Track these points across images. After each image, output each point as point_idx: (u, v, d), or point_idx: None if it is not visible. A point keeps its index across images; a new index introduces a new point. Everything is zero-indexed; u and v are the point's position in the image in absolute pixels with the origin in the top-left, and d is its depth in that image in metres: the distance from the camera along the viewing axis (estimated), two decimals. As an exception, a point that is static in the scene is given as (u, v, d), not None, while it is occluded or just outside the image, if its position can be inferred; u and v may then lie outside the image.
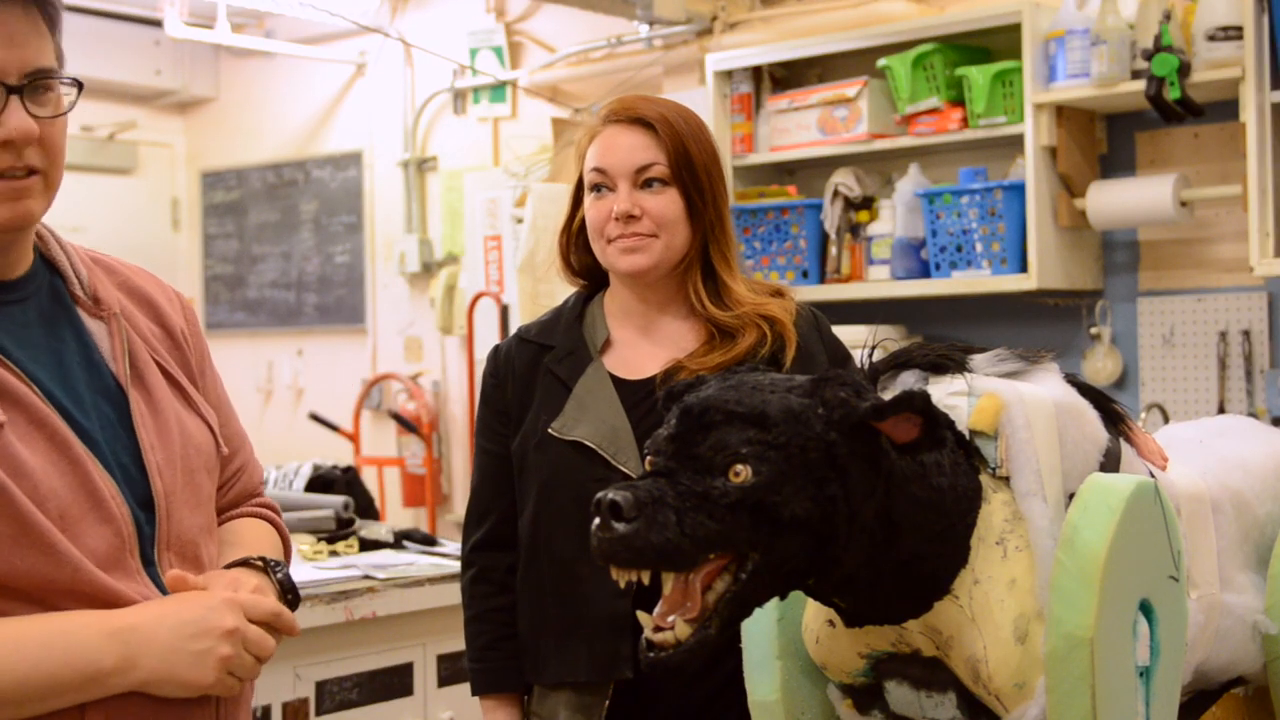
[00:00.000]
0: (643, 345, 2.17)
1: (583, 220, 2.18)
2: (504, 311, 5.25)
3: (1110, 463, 1.66)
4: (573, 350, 2.16)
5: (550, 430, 2.11)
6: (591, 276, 2.24)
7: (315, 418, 6.13)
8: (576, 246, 2.23)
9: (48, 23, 1.48)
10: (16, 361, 1.47)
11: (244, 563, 1.64)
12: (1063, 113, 4.14)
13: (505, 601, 2.18)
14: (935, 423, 1.47)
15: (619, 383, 2.13)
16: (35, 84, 1.46)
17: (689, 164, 2.12)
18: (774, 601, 1.67)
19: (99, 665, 1.41)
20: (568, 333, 2.19)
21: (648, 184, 2.11)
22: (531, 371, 2.18)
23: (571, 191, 2.21)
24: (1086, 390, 1.73)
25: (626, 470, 2.03)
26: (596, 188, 2.13)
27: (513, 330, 5.08)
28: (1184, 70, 3.81)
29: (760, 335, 2.13)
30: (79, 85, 1.52)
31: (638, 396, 2.10)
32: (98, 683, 1.42)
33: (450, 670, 3.18)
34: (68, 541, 1.43)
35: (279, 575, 1.63)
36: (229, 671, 1.48)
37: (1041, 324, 4.46)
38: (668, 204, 2.11)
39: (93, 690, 1.42)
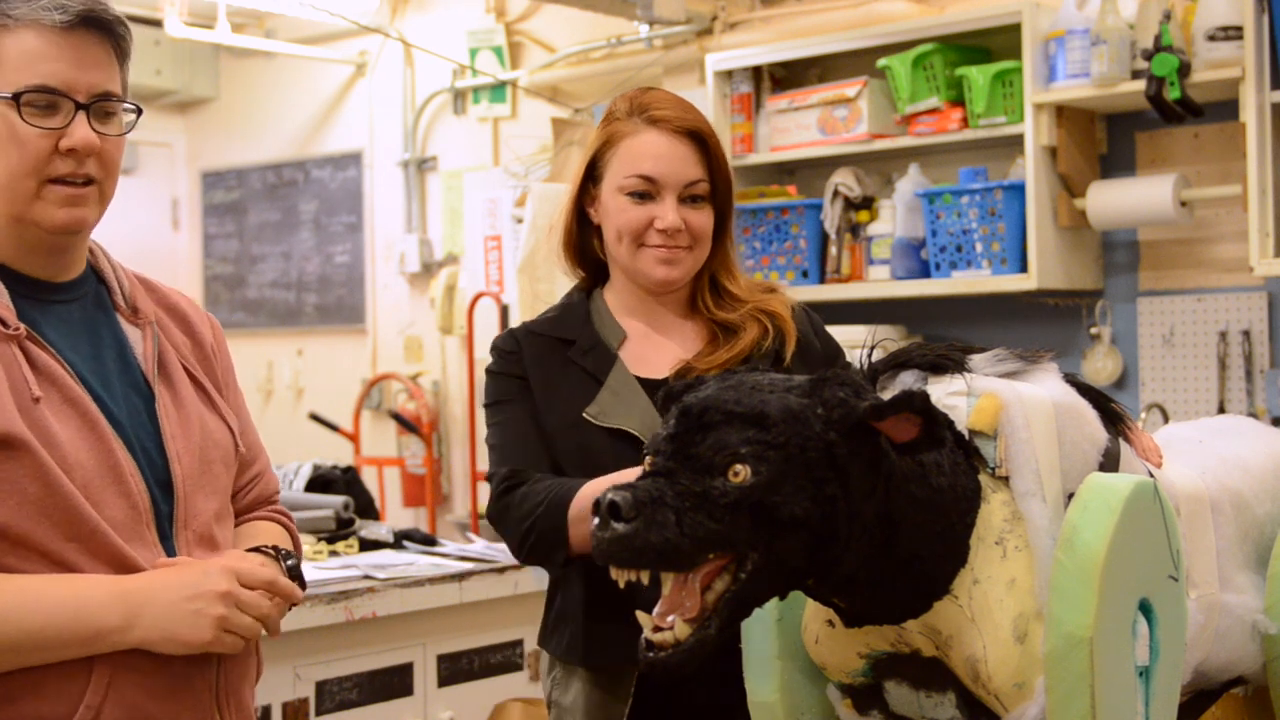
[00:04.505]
0: (652, 343, 2.17)
1: (582, 210, 2.17)
2: (504, 311, 5.25)
3: (1109, 462, 1.66)
4: (593, 346, 2.15)
5: (586, 415, 2.07)
6: (592, 267, 2.23)
7: (315, 418, 6.13)
8: (581, 235, 2.21)
9: (118, 54, 1.69)
10: (56, 347, 1.64)
11: (256, 549, 1.79)
12: (1063, 113, 4.14)
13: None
14: (935, 423, 1.47)
15: (638, 380, 2.12)
16: (101, 105, 1.66)
17: (727, 182, 2.16)
18: (774, 601, 1.67)
19: (104, 623, 1.55)
20: (584, 329, 2.17)
21: (691, 198, 2.12)
22: (549, 361, 2.14)
23: (578, 177, 2.18)
24: (1086, 390, 1.73)
25: None
26: (638, 194, 2.11)
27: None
28: (1184, 70, 3.81)
29: (762, 330, 2.14)
30: (139, 111, 1.72)
31: (655, 395, 2.09)
32: (102, 638, 1.56)
33: (450, 670, 3.18)
34: (89, 507, 1.57)
35: (288, 563, 1.77)
36: (226, 630, 1.62)
37: (1041, 324, 4.45)
38: (706, 220, 2.13)
39: (97, 645, 1.56)
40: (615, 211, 2.12)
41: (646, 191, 2.10)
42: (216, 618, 1.60)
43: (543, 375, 2.14)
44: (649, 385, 2.11)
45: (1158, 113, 3.90)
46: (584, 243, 2.22)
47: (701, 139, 2.12)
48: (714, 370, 2.04)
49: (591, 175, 2.17)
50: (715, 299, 2.18)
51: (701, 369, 2.05)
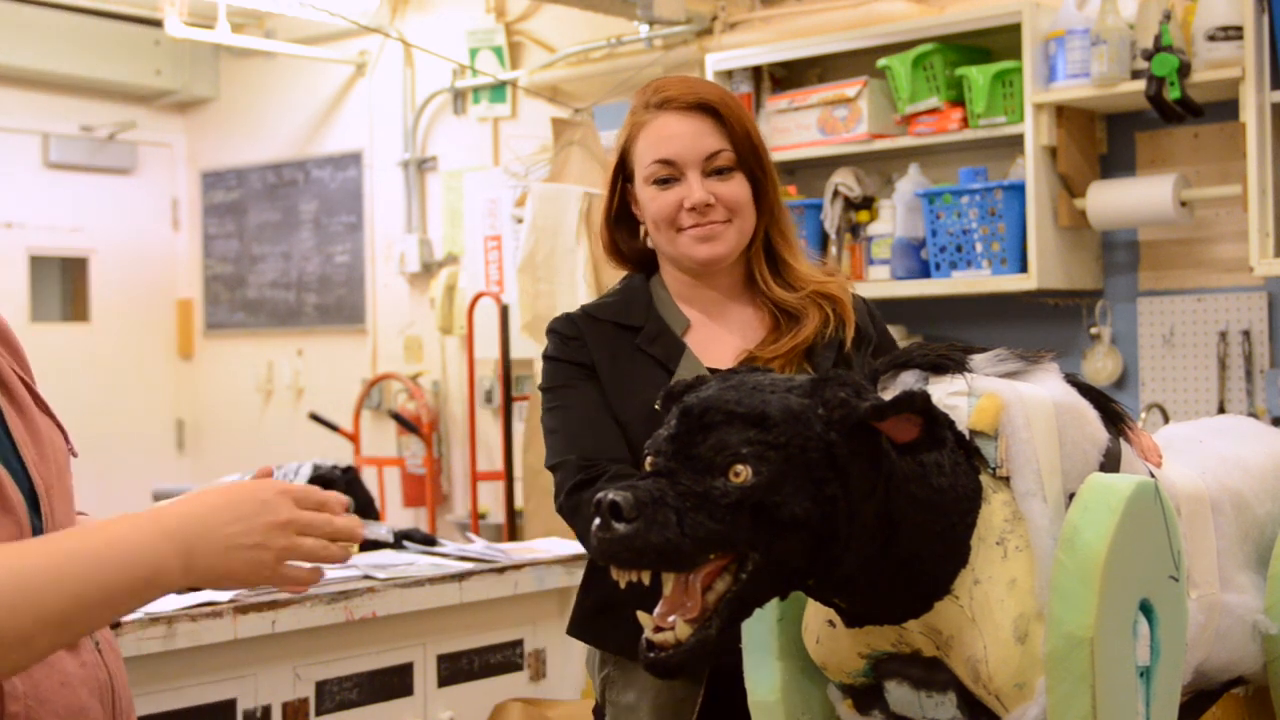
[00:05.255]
0: (711, 332, 2.14)
1: (624, 206, 2.17)
2: (504, 311, 5.25)
3: (1110, 463, 1.66)
4: (660, 333, 2.12)
5: (659, 407, 2.05)
6: (639, 261, 2.22)
7: (315, 418, 6.12)
8: (622, 232, 2.20)
9: None
10: None
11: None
12: (1063, 113, 4.14)
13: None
14: (935, 423, 1.47)
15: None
16: None
17: (752, 147, 2.11)
18: (774, 601, 1.67)
19: (160, 565, 1.34)
20: (648, 314, 2.14)
21: (716, 171, 2.09)
22: (616, 348, 2.11)
23: (609, 178, 2.17)
24: (1086, 390, 1.72)
25: None
26: (662, 180, 2.10)
27: (513, 331, 5.11)
28: (1184, 70, 3.81)
29: (824, 316, 2.12)
30: None
31: None
32: (158, 584, 1.35)
33: (450, 670, 3.18)
34: None
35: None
36: (288, 560, 1.41)
37: (1041, 324, 4.46)
38: (738, 189, 2.10)
39: (150, 594, 1.35)
40: (647, 202, 2.12)
41: (670, 176, 2.09)
42: (280, 550, 1.39)
43: (611, 364, 2.10)
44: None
45: (1158, 113, 3.90)
46: (626, 243, 2.21)
47: (713, 109, 2.09)
48: (778, 359, 2.03)
49: (626, 175, 2.17)
50: (775, 275, 2.14)
51: (765, 359, 2.03)
